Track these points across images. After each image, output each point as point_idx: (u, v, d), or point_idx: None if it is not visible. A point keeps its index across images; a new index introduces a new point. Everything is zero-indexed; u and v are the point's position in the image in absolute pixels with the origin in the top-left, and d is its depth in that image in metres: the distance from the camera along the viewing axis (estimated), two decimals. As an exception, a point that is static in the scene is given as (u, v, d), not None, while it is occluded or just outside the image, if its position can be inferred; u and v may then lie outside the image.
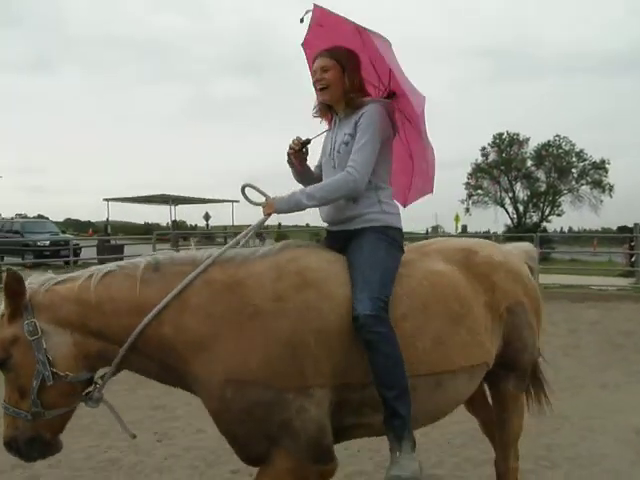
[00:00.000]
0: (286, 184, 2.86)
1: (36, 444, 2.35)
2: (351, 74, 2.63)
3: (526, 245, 3.57)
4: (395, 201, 2.83)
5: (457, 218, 38.06)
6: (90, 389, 2.43)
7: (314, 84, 2.70)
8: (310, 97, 2.85)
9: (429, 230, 41.66)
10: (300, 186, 2.76)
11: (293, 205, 2.54)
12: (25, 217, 40.04)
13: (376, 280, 2.40)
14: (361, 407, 2.41)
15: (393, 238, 2.63)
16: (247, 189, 2.63)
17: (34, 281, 2.37)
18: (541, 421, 3.98)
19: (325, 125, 2.85)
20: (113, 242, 23.33)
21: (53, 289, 2.35)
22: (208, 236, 38.00)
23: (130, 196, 39.83)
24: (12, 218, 24.57)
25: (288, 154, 2.74)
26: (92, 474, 4.09)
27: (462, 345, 2.58)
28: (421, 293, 2.56)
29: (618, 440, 4.60)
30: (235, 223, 39.89)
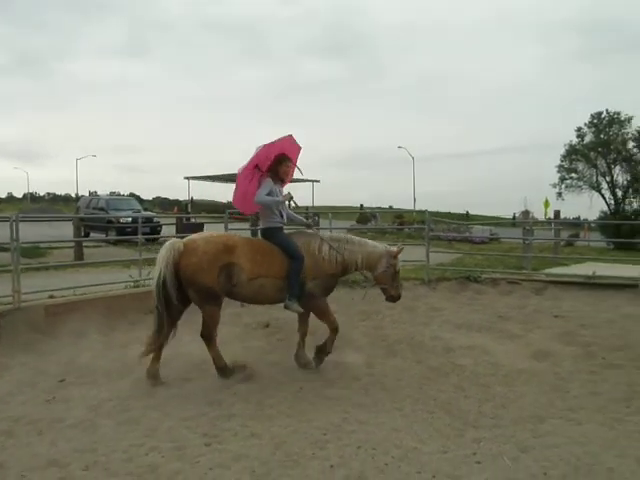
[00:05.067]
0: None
1: None
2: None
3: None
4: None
5: (546, 203, 35.70)
6: None
7: (284, 173, 6.11)
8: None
9: (517, 215, 39.37)
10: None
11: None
12: (118, 195, 41.27)
13: None
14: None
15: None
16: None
17: None
18: None
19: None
20: (193, 220, 23.50)
21: None
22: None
23: (210, 174, 40.38)
24: (95, 194, 25.08)
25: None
26: (128, 481, 3.64)
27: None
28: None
29: None
30: (315, 204, 39.58)
